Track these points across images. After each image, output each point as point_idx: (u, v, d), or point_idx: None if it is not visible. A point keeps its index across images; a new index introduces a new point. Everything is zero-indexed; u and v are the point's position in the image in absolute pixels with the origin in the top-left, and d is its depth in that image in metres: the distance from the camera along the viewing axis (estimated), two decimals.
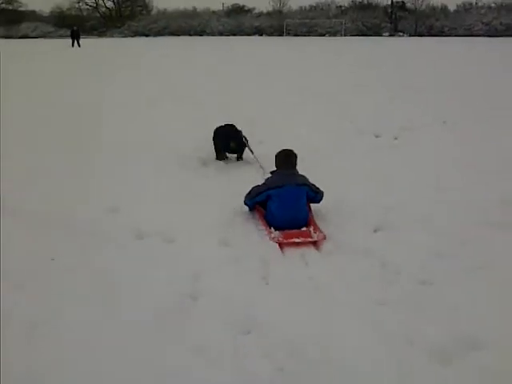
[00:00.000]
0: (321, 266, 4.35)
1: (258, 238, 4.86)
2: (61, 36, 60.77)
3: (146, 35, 66.05)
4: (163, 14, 76.25)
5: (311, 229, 4.97)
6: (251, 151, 7.34)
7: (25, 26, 69.89)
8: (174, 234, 4.95)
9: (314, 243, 4.80)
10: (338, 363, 3.13)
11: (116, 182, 6.50)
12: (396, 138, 8.78)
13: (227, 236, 4.90)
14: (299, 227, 5.00)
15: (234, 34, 65.33)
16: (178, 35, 65.29)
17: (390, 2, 68.28)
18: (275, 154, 5.41)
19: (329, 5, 73.63)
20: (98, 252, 4.60)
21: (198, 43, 45.04)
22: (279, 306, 3.75)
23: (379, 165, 7.22)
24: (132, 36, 65.92)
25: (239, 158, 7.57)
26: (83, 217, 5.37)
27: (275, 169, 5.37)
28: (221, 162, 7.40)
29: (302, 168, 5.45)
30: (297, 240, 4.79)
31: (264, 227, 5.08)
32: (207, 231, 5.04)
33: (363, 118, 10.46)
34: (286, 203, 5.05)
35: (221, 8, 78.59)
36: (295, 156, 5.38)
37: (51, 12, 79.12)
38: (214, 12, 76.20)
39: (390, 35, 61.97)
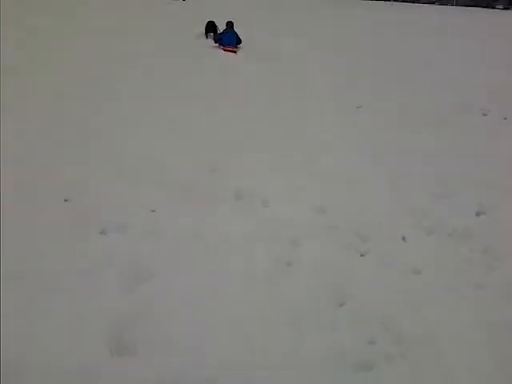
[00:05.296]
0: None
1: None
2: None
3: None
4: None
5: (235, 48, 13.99)
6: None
7: None
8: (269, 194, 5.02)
9: (235, 52, 13.75)
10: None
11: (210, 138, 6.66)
12: (506, 118, 8.33)
13: (325, 204, 4.88)
14: (232, 47, 13.91)
15: None
16: None
17: None
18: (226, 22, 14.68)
19: None
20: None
21: None
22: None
23: (485, 143, 6.94)
24: None
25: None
26: (184, 173, 5.47)
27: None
28: None
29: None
30: (229, 49, 13.79)
31: (221, 46, 14.08)
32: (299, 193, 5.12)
33: (472, 94, 9.95)
34: (228, 38, 14.10)
35: None
36: (232, 23, 14.56)
37: None
38: None
39: (505, 8, 58.37)
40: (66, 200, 4.69)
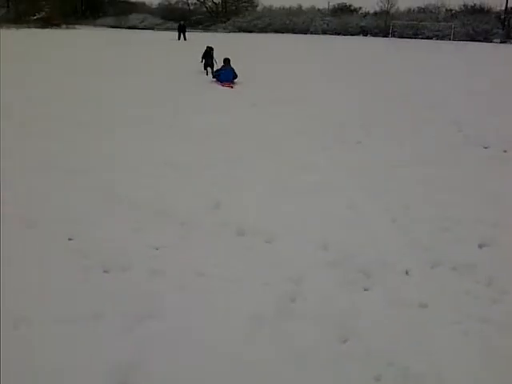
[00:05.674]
0: None
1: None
2: (167, 28, 62.04)
3: (250, 31, 66.46)
4: (269, 10, 76.52)
5: (232, 83, 14.85)
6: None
7: (133, 17, 71.70)
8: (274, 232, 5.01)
9: (232, 87, 14.50)
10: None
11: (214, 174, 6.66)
12: (505, 151, 8.37)
13: (327, 240, 4.88)
14: (229, 82, 14.81)
15: (338, 34, 64.48)
16: (282, 32, 65.28)
17: (504, 8, 65.14)
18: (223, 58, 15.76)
19: (438, 8, 71.25)
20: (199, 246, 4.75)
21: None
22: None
23: (487, 175, 6.99)
24: (236, 31, 66.60)
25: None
26: (186, 210, 5.49)
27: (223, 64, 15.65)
28: None
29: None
30: (227, 84, 14.64)
31: (218, 82, 15.09)
32: (305, 230, 5.10)
33: (472, 127, 10.03)
34: (225, 74, 15.04)
35: (326, 6, 77.95)
36: (229, 60, 15.53)
37: (159, 4, 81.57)
38: (319, 10, 75.57)
39: (501, 42, 59.15)
40: (70, 239, 4.72)
